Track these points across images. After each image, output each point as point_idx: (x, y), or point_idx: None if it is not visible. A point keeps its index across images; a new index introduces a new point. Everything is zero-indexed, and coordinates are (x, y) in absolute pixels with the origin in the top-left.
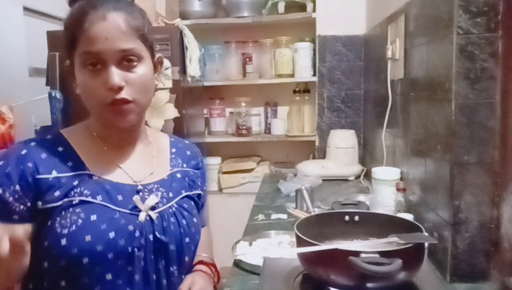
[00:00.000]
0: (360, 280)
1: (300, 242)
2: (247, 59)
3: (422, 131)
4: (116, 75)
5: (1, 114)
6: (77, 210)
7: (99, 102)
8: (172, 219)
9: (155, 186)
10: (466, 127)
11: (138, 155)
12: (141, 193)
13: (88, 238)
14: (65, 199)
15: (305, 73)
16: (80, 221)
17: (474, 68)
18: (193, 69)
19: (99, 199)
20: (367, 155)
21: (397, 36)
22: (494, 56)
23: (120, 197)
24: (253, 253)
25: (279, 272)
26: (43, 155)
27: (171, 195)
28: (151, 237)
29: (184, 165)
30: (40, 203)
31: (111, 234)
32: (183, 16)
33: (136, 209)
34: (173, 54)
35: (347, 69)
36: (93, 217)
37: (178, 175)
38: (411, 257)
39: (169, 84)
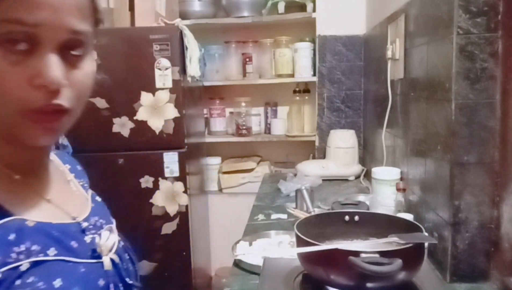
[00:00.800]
0: (360, 280)
1: (300, 242)
2: (247, 59)
3: (422, 131)
4: (58, 67)
5: None
6: (30, 280)
7: (15, 104)
8: (126, 256)
9: (95, 219)
10: (466, 127)
11: (56, 181)
12: (88, 233)
13: None
14: (5, 268)
15: (305, 73)
16: None
17: (474, 68)
18: (193, 69)
19: (52, 254)
20: (367, 155)
21: (397, 36)
22: (494, 56)
23: (74, 244)
24: (253, 253)
25: (279, 272)
26: None
27: (113, 227)
28: (121, 286)
29: (86, 185)
30: None
31: None
32: (183, 16)
33: (94, 255)
34: (173, 54)
35: (347, 69)
36: (58, 283)
37: (98, 199)
38: (411, 257)
39: (168, 84)
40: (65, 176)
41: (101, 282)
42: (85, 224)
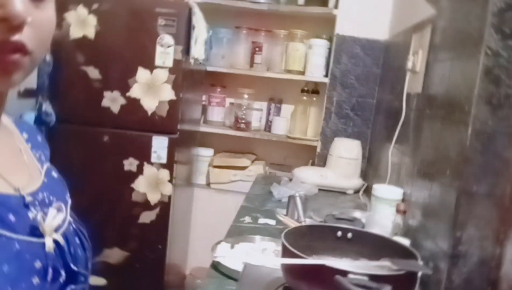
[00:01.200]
0: None
1: (286, 253)
2: (257, 49)
3: (433, 152)
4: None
5: None
6: None
7: None
8: (77, 240)
9: (44, 194)
10: (481, 155)
11: (3, 148)
12: (32, 208)
13: None
14: None
15: (316, 73)
16: None
17: (498, 93)
18: (197, 50)
19: None
20: (370, 170)
21: (420, 47)
22: None
23: (12, 217)
24: (233, 256)
25: (258, 280)
26: None
27: (63, 205)
28: (63, 272)
29: (43, 158)
30: None
31: (21, 283)
32: None
33: (36, 234)
34: (178, 31)
35: (362, 75)
36: None
37: (54, 174)
38: (401, 285)
39: (169, 63)
40: (17, 144)
41: (38, 264)
42: (29, 199)
